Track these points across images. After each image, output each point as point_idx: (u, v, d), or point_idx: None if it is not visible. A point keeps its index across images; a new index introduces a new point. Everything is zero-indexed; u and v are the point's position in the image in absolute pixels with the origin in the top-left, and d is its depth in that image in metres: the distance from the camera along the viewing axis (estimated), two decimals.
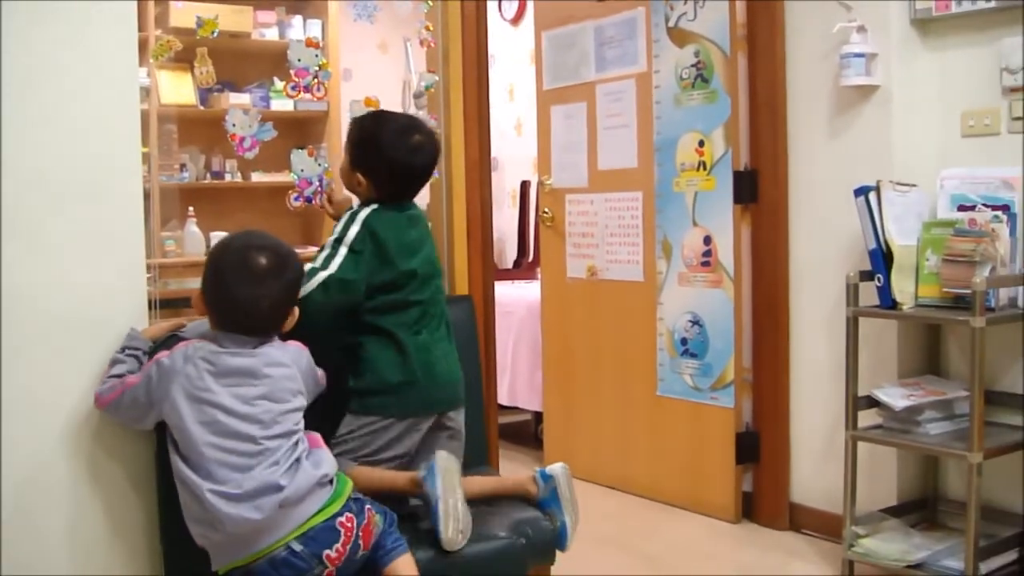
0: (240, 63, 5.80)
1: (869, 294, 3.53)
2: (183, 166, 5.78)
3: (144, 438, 2.60)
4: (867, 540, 3.52)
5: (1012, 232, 3.31)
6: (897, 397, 3.46)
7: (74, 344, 2.53)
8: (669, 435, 4.57)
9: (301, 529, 2.32)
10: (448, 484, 2.60)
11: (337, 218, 2.89)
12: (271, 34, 5.99)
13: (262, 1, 5.91)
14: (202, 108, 5.75)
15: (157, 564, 2.66)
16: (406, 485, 2.69)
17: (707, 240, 4.36)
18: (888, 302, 3.48)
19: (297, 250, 2.64)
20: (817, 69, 3.99)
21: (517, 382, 5.57)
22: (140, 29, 2.69)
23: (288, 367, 2.45)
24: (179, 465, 2.35)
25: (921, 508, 3.81)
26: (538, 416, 5.57)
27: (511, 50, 7.22)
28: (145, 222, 2.68)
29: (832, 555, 3.81)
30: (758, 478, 4.32)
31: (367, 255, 2.74)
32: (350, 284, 2.71)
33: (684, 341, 4.49)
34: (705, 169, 4.35)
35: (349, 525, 2.37)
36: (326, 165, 3.34)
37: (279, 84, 5.67)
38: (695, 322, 4.43)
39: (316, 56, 3.34)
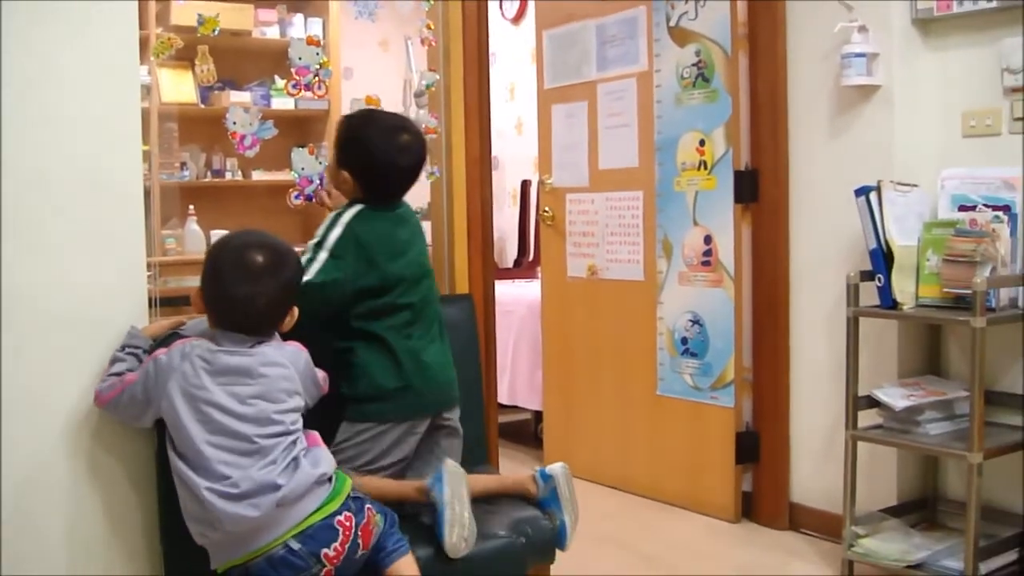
0: (241, 61, 5.80)
1: (869, 294, 3.53)
2: (184, 164, 5.78)
3: (144, 437, 2.60)
4: (867, 540, 3.52)
5: (1013, 232, 3.30)
6: (897, 397, 3.46)
7: (74, 343, 2.53)
8: (669, 434, 4.57)
9: (299, 527, 2.32)
10: (456, 491, 2.60)
11: (338, 185, 2.89)
12: (272, 32, 5.99)
13: None
14: (203, 106, 5.76)
15: (157, 563, 2.66)
16: (414, 494, 2.68)
17: (708, 239, 4.35)
18: (888, 302, 3.48)
19: (297, 248, 2.63)
20: (818, 69, 3.99)
21: (517, 381, 5.57)
22: (141, 27, 2.69)
23: (285, 367, 2.44)
24: (177, 463, 2.35)
25: (921, 508, 3.81)
26: (538, 415, 5.57)
27: (512, 49, 7.22)
28: (145, 220, 2.67)
29: (832, 555, 3.81)
30: (758, 478, 4.32)
31: (349, 259, 2.71)
32: (329, 290, 2.67)
33: (684, 340, 4.48)
34: (706, 168, 4.35)
35: (348, 524, 2.37)
36: (327, 163, 3.34)
37: (280, 82, 5.68)
38: (695, 321, 4.43)
39: (317, 54, 3.33)
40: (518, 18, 7.33)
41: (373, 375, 2.74)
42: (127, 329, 2.57)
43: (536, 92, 5.34)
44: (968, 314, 3.17)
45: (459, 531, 2.56)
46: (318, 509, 2.35)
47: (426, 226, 4.33)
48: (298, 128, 5.67)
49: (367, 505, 2.46)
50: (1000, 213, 3.32)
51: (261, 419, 2.35)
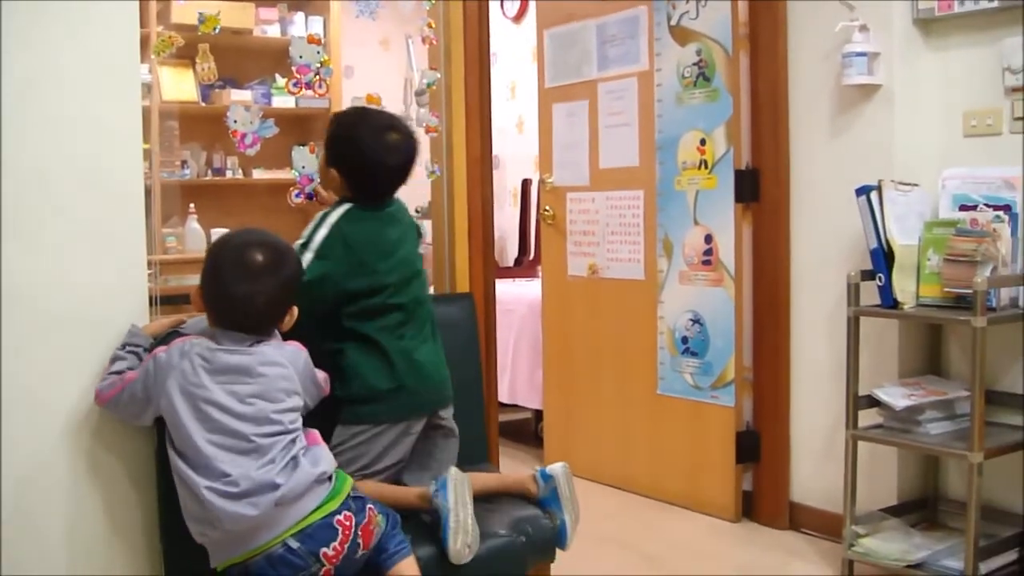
0: (242, 60, 5.81)
1: (870, 293, 3.53)
2: (184, 163, 5.78)
3: (144, 435, 2.60)
4: (867, 540, 3.52)
5: (1013, 232, 3.30)
6: (898, 397, 3.46)
7: (75, 342, 2.53)
8: (669, 434, 4.57)
9: (298, 526, 2.32)
10: (460, 498, 2.60)
11: (327, 183, 2.88)
12: (273, 31, 5.99)
13: None
14: (203, 105, 5.76)
15: (157, 562, 2.65)
16: (416, 501, 2.68)
17: (708, 239, 4.35)
18: (889, 302, 3.48)
19: None
20: (819, 68, 3.98)
21: (518, 380, 5.57)
22: (142, 25, 2.69)
23: (283, 367, 2.44)
24: (176, 462, 2.35)
25: (921, 508, 3.81)
26: (538, 414, 5.57)
27: (513, 48, 7.22)
28: (146, 219, 2.67)
29: (832, 554, 3.81)
30: (758, 477, 4.31)
31: (335, 260, 2.68)
32: (316, 291, 2.64)
33: (685, 340, 4.48)
34: (706, 168, 4.34)
35: (347, 523, 2.36)
36: (318, 161, 3.33)
37: (281, 81, 5.68)
38: (696, 321, 4.43)
39: (318, 53, 3.33)
40: (519, 17, 7.33)
41: (366, 376, 2.73)
42: (128, 328, 2.57)
43: (537, 91, 5.34)
44: (969, 314, 3.17)
45: (463, 537, 2.56)
46: (317, 508, 2.34)
47: (427, 225, 4.33)
48: (299, 126, 5.66)
49: (368, 505, 2.45)
50: (1001, 213, 3.32)
51: (259, 418, 2.35)
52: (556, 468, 2.88)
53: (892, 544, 3.47)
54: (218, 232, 3.17)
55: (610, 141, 4.85)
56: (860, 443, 3.56)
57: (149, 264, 2.73)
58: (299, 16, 6.10)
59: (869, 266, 3.54)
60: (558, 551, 2.87)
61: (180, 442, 2.35)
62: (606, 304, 4.91)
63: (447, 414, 2.92)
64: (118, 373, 2.48)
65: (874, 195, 3.50)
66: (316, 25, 6.08)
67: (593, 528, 3.61)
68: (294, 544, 2.31)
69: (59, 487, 2.53)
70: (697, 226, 4.41)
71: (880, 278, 3.49)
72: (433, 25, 3.72)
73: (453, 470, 2.67)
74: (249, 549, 2.30)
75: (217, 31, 3.21)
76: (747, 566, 3.90)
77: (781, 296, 4.17)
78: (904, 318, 3.61)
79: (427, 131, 3.70)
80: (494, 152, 4.16)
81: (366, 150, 2.78)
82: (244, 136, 3.25)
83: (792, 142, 4.12)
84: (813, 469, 4.12)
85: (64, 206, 2.52)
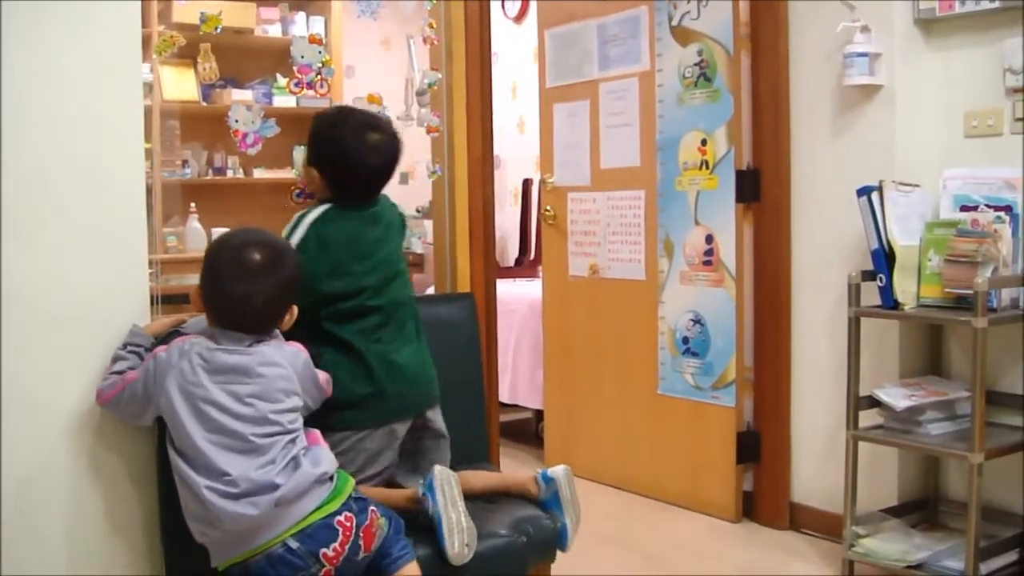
0: (243, 59, 5.81)
1: (871, 294, 3.53)
2: (185, 162, 5.78)
3: (145, 435, 2.60)
4: (867, 540, 3.52)
5: (1014, 233, 3.30)
6: (898, 397, 3.46)
7: (76, 341, 2.53)
8: (670, 434, 4.57)
9: (298, 526, 2.31)
10: (449, 497, 2.58)
11: (308, 182, 2.84)
12: (274, 30, 6.00)
13: None
14: (205, 104, 5.77)
15: (157, 561, 2.65)
16: (404, 503, 2.65)
17: (709, 239, 4.35)
18: (890, 302, 3.48)
19: None
20: (820, 68, 3.98)
21: (518, 380, 5.57)
22: (143, 25, 2.69)
23: (282, 367, 2.43)
24: (177, 462, 2.35)
25: (922, 508, 3.81)
26: (539, 414, 5.57)
27: (514, 48, 7.23)
28: (147, 218, 2.67)
29: (832, 555, 3.81)
30: (759, 477, 4.31)
31: (311, 261, 2.63)
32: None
33: (685, 340, 4.48)
34: (707, 168, 4.34)
35: (348, 524, 2.36)
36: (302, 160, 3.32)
37: (282, 80, 5.68)
38: (697, 321, 4.43)
39: (319, 53, 3.33)
40: (520, 17, 7.33)
41: (344, 381, 2.68)
42: (129, 327, 2.57)
43: (538, 91, 5.34)
44: (969, 314, 3.17)
45: (459, 538, 2.54)
46: (318, 508, 2.34)
47: (427, 225, 4.33)
48: (300, 126, 5.57)
49: (371, 507, 2.44)
50: (1002, 213, 3.32)
51: (258, 418, 2.35)
52: (558, 471, 2.86)
53: (892, 544, 3.48)
54: (219, 232, 3.17)
55: (611, 141, 4.85)
56: (861, 443, 3.56)
57: (150, 263, 2.73)
58: (300, 16, 6.11)
59: (870, 266, 3.54)
60: (558, 552, 2.87)
61: (180, 442, 2.35)
62: (607, 304, 4.91)
63: (434, 415, 2.88)
64: (119, 373, 2.48)
65: (875, 195, 3.50)
66: (317, 25, 6.08)
67: (594, 528, 3.60)
68: (294, 544, 2.30)
69: (60, 487, 2.53)
70: (698, 226, 4.41)
71: (881, 279, 3.49)
72: (434, 25, 3.72)
73: (437, 469, 2.63)
74: (249, 549, 2.30)
75: (218, 31, 3.22)
76: (747, 566, 3.90)
77: (782, 296, 4.17)
78: (905, 319, 3.61)
79: (428, 131, 3.70)
80: (495, 152, 4.16)
81: (348, 150, 2.75)
82: (245, 136, 3.25)
83: (793, 142, 4.12)
84: (814, 469, 4.12)
85: (65, 205, 2.52)
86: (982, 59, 3.62)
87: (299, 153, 3.24)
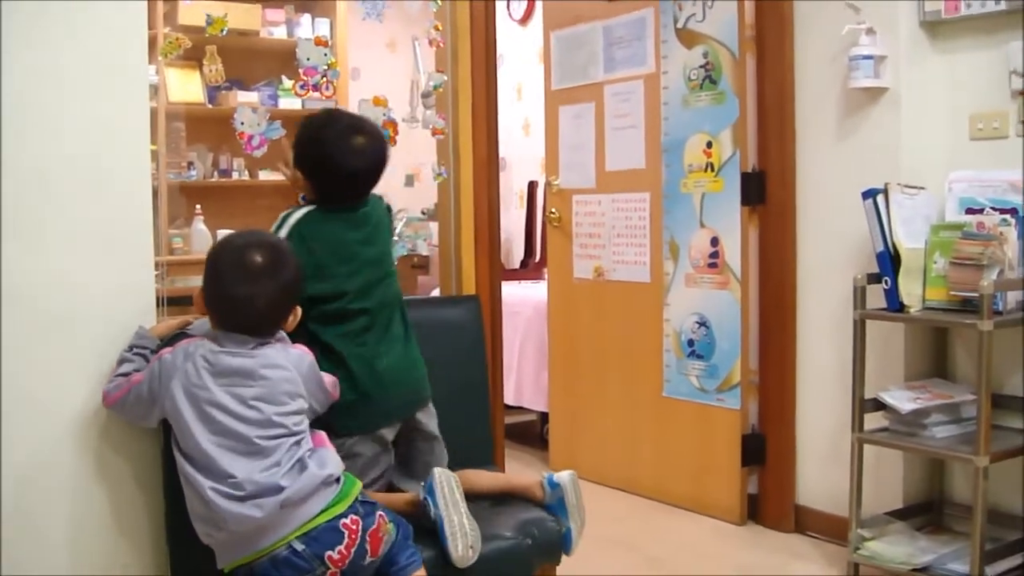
0: (249, 61, 5.82)
1: (876, 297, 3.53)
2: (191, 164, 5.80)
3: (151, 436, 2.60)
4: (873, 543, 3.52)
5: (1020, 235, 3.30)
6: (904, 400, 3.46)
7: (81, 342, 2.53)
8: (675, 436, 4.57)
9: (303, 529, 2.31)
10: (449, 499, 2.57)
11: (294, 183, 2.80)
12: (279, 32, 6.01)
13: None
14: (210, 106, 5.78)
15: (163, 564, 2.65)
16: (405, 507, 2.64)
17: (714, 241, 4.35)
18: (895, 305, 3.48)
19: None
20: (826, 71, 3.98)
21: (523, 382, 5.56)
22: (149, 27, 2.69)
23: (287, 370, 2.43)
24: (182, 463, 2.35)
25: (927, 511, 3.81)
26: (544, 416, 5.56)
27: (519, 50, 7.22)
28: (152, 220, 2.67)
29: (837, 558, 3.80)
30: (764, 480, 4.31)
31: None
32: None
33: (691, 342, 4.48)
34: (713, 170, 4.34)
35: (354, 527, 2.36)
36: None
37: (287, 82, 5.70)
38: (702, 323, 4.43)
39: (325, 55, 3.34)
40: (525, 19, 7.33)
41: None
42: (135, 329, 2.57)
43: (543, 93, 5.34)
44: (975, 317, 3.17)
45: (463, 541, 2.53)
46: (323, 511, 2.34)
47: (433, 227, 4.34)
48: None
49: (379, 512, 2.44)
50: (1007, 216, 3.32)
51: (262, 421, 2.34)
52: (564, 476, 2.85)
53: (898, 547, 3.47)
54: (224, 233, 3.17)
55: (616, 143, 4.85)
56: (866, 446, 3.56)
57: (156, 265, 2.73)
58: (306, 18, 6.12)
59: (875, 269, 3.54)
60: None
61: (185, 444, 2.35)
62: (612, 306, 4.91)
63: (425, 416, 2.85)
64: (125, 375, 2.48)
65: (880, 198, 3.50)
66: (323, 27, 6.10)
67: (598, 530, 3.60)
68: (299, 547, 2.30)
69: (64, 487, 2.53)
70: (703, 229, 4.41)
71: (886, 281, 3.49)
72: (440, 27, 3.73)
73: (437, 471, 2.62)
74: (255, 550, 2.30)
75: (224, 33, 3.22)
76: (752, 569, 3.90)
77: (787, 299, 4.17)
78: (910, 321, 3.60)
79: (434, 133, 3.70)
80: (500, 154, 4.17)
81: (332, 152, 2.71)
82: (251, 138, 3.25)
83: (798, 145, 4.12)
84: (819, 472, 4.11)
85: (71, 207, 2.52)
86: (988, 61, 3.62)
87: None
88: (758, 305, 4.30)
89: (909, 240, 3.47)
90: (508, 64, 6.98)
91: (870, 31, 3.75)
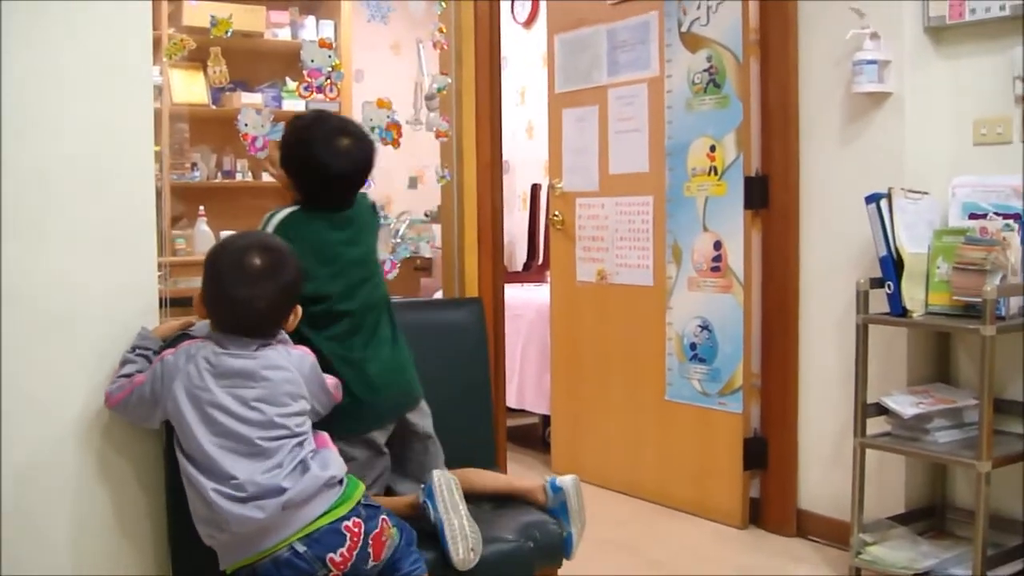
0: (253, 63, 5.82)
1: (879, 301, 3.53)
2: (194, 165, 5.80)
3: (153, 437, 2.60)
4: (874, 547, 3.52)
5: (1023, 241, 3.30)
6: (906, 405, 3.45)
7: (84, 342, 2.53)
8: (677, 440, 4.57)
9: (305, 530, 2.31)
10: (449, 502, 2.56)
11: (283, 183, 2.79)
12: (284, 34, 6.01)
13: (275, 1, 5.93)
14: (214, 107, 5.78)
15: (165, 565, 2.65)
16: (405, 511, 2.63)
17: (717, 245, 4.35)
18: (898, 309, 3.48)
19: None
20: (830, 75, 3.98)
21: (525, 385, 5.56)
22: (153, 27, 2.69)
23: (288, 371, 2.43)
24: (185, 464, 2.35)
25: (929, 516, 3.80)
26: (546, 419, 5.56)
27: (523, 53, 7.23)
28: (156, 220, 2.67)
29: (839, 562, 3.80)
30: (766, 484, 4.31)
31: None
32: None
33: (693, 346, 4.48)
34: (716, 174, 4.34)
35: (356, 530, 2.35)
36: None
37: (291, 84, 5.70)
38: (704, 327, 4.42)
39: (329, 57, 3.35)
40: (530, 22, 7.33)
41: None
42: (138, 329, 2.57)
43: (547, 96, 5.34)
44: (978, 322, 3.17)
45: (464, 544, 2.52)
46: (326, 513, 2.34)
47: (436, 229, 4.34)
48: None
49: (382, 516, 2.43)
50: (1011, 221, 3.33)
51: (264, 422, 2.34)
52: (566, 480, 2.84)
53: (899, 552, 3.47)
54: (227, 235, 3.18)
55: (620, 147, 4.85)
56: (868, 451, 3.56)
57: (159, 266, 2.73)
58: (310, 20, 6.13)
59: (878, 274, 3.54)
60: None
61: (187, 445, 2.35)
62: (615, 310, 4.91)
63: (417, 417, 2.84)
64: (127, 376, 2.48)
65: (884, 203, 3.50)
66: (327, 29, 6.10)
67: (600, 533, 3.61)
68: (301, 548, 2.30)
69: (65, 488, 2.53)
70: (706, 232, 4.41)
71: (889, 286, 3.49)
72: (444, 29, 3.74)
73: (436, 474, 2.62)
74: (257, 552, 2.30)
75: (229, 34, 3.22)
76: (753, 572, 3.89)
77: (790, 303, 4.17)
78: (913, 326, 3.60)
79: (437, 135, 3.71)
80: (504, 157, 4.17)
81: (317, 154, 2.69)
82: (254, 139, 3.26)
83: (802, 149, 4.11)
84: (821, 476, 4.11)
85: (72, 207, 2.52)
86: (992, 67, 3.62)
87: None
88: (760, 309, 4.29)
89: (912, 245, 3.47)
90: (512, 67, 6.98)
91: (874, 36, 3.75)
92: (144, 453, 2.62)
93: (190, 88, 5.73)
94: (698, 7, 4.39)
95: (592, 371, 5.03)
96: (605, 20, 4.89)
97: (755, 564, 3.96)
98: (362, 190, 2.85)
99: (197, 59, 5.23)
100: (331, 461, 2.41)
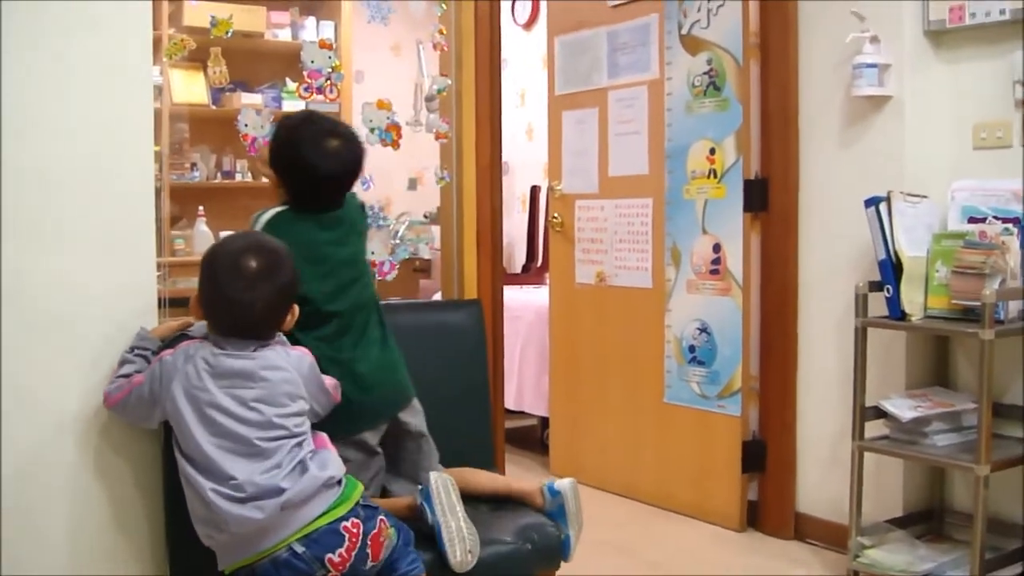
0: (253, 63, 5.82)
1: (878, 304, 3.53)
2: (194, 165, 5.80)
3: (151, 437, 2.60)
4: (872, 551, 3.52)
5: (1022, 245, 3.30)
6: (904, 408, 3.45)
7: (83, 342, 2.53)
8: (675, 443, 4.57)
9: (304, 531, 2.31)
10: (446, 504, 2.56)
11: (271, 179, 2.78)
12: (284, 35, 6.01)
13: (276, 1, 5.94)
14: (214, 108, 5.78)
15: (163, 565, 2.65)
16: (403, 512, 2.62)
17: (716, 248, 4.35)
18: (897, 313, 3.48)
19: None
20: (829, 79, 3.98)
21: (524, 387, 5.56)
22: (153, 27, 2.69)
23: (286, 371, 2.43)
24: (183, 465, 2.35)
25: (927, 520, 3.80)
26: (545, 421, 5.56)
27: (523, 54, 7.23)
28: (155, 220, 2.67)
29: (837, 565, 3.80)
30: (764, 487, 4.31)
31: None
32: None
33: (692, 348, 4.48)
34: (715, 177, 4.34)
35: (355, 531, 2.36)
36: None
37: (291, 85, 5.70)
38: (703, 330, 4.42)
39: (329, 57, 3.34)
40: (530, 24, 7.34)
41: None
42: (136, 329, 2.57)
43: (547, 98, 5.34)
44: (977, 326, 3.17)
45: (462, 546, 2.52)
46: (324, 513, 2.34)
47: (435, 231, 4.34)
48: None
49: (380, 516, 2.44)
50: (1010, 225, 3.32)
51: (263, 422, 2.34)
52: (564, 484, 2.84)
53: (897, 556, 3.47)
54: (227, 235, 3.18)
55: (619, 149, 4.85)
56: (866, 454, 3.56)
57: (158, 266, 2.73)
58: (311, 20, 6.13)
59: (877, 277, 3.54)
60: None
61: (186, 445, 2.35)
62: (613, 312, 4.91)
63: (409, 416, 2.83)
64: (126, 376, 2.48)
65: (883, 206, 3.50)
66: (327, 30, 6.10)
67: (598, 535, 3.61)
68: (299, 549, 2.30)
69: (63, 487, 2.53)
70: (705, 235, 4.41)
71: (888, 289, 3.49)
72: (444, 31, 3.74)
73: (433, 476, 2.62)
74: (255, 552, 2.30)
75: (229, 35, 3.22)
76: (751, 575, 3.91)
77: (789, 306, 4.17)
78: (912, 329, 3.60)
79: (437, 137, 3.71)
80: (503, 159, 4.17)
81: (305, 155, 2.68)
82: (254, 140, 3.26)
83: (802, 152, 4.11)
84: (819, 479, 4.11)
85: (72, 207, 2.52)
86: (992, 71, 3.62)
87: None
88: (759, 312, 4.29)
89: (911, 248, 3.47)
90: (512, 69, 6.98)
91: (874, 39, 3.75)
92: (142, 453, 2.63)
93: (190, 88, 5.73)
94: (698, 9, 4.39)
95: (591, 373, 5.03)
96: (605, 22, 4.89)
97: (753, 567, 3.96)
98: (352, 190, 2.84)
99: (197, 59, 5.23)
100: (330, 461, 2.41)
